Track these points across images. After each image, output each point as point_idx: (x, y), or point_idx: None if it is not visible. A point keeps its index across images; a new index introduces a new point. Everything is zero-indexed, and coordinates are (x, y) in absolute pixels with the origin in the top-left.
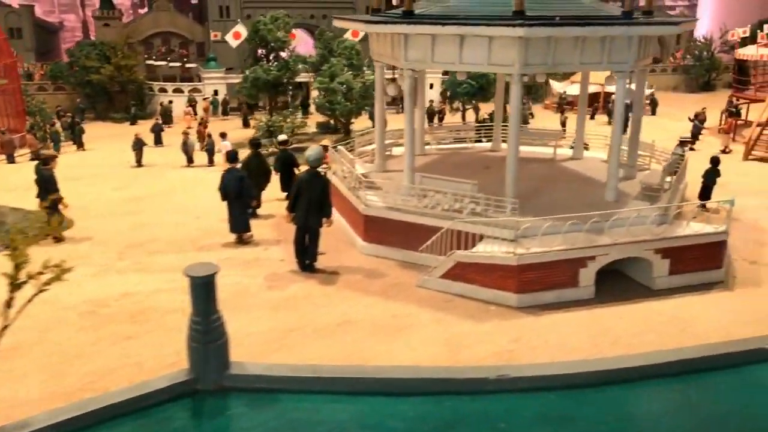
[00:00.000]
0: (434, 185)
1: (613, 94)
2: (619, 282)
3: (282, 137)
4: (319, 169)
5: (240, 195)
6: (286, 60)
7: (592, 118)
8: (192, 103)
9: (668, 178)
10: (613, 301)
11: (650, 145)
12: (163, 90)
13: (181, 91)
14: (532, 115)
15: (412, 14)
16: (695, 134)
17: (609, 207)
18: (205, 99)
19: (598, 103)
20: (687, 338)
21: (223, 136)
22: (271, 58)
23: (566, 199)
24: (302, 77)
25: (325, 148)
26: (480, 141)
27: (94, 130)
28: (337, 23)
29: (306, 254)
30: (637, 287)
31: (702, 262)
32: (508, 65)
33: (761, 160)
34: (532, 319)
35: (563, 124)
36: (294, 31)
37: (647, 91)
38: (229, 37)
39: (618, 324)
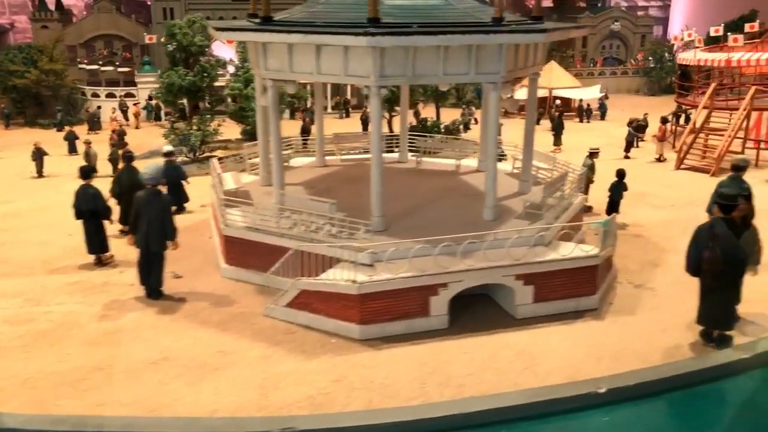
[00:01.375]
0: (295, 204)
1: (558, 98)
2: (486, 309)
3: (167, 148)
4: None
5: (95, 214)
6: (203, 65)
7: (537, 123)
8: (123, 108)
9: (558, 194)
10: (467, 331)
11: (551, 158)
12: (95, 95)
13: (114, 96)
14: (475, 120)
15: (270, 21)
16: (630, 141)
17: (486, 227)
18: (135, 104)
19: (544, 108)
20: (527, 377)
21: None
22: (190, 62)
23: (444, 218)
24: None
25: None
26: (391, 151)
27: (16, 137)
28: (211, 32)
29: (151, 280)
30: (503, 315)
31: (571, 289)
32: (364, 76)
33: (693, 169)
34: (370, 354)
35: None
36: None
37: (599, 95)
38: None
39: (460, 359)
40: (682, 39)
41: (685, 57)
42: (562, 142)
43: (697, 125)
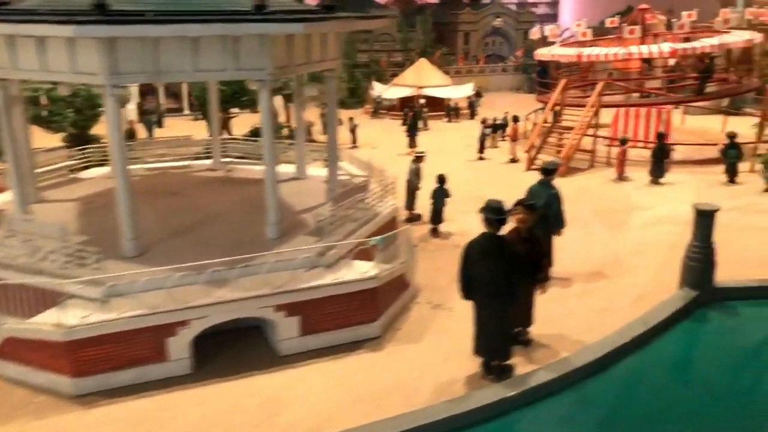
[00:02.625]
0: (22, 228)
1: (422, 97)
2: (254, 346)
3: None
4: None
5: None
6: None
7: (404, 123)
8: None
9: (361, 206)
10: (216, 376)
11: (367, 164)
12: None
13: None
14: (340, 121)
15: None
16: (483, 140)
17: (266, 247)
18: None
19: (409, 107)
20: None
21: None
22: None
23: (222, 237)
24: None
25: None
26: (210, 157)
27: None
28: None
29: None
30: (269, 353)
31: (346, 317)
32: (94, 74)
33: None
34: (78, 414)
35: (353, 131)
36: None
37: (469, 92)
38: None
39: (187, 414)
40: (537, 36)
41: (541, 53)
42: (417, 143)
43: (548, 123)
